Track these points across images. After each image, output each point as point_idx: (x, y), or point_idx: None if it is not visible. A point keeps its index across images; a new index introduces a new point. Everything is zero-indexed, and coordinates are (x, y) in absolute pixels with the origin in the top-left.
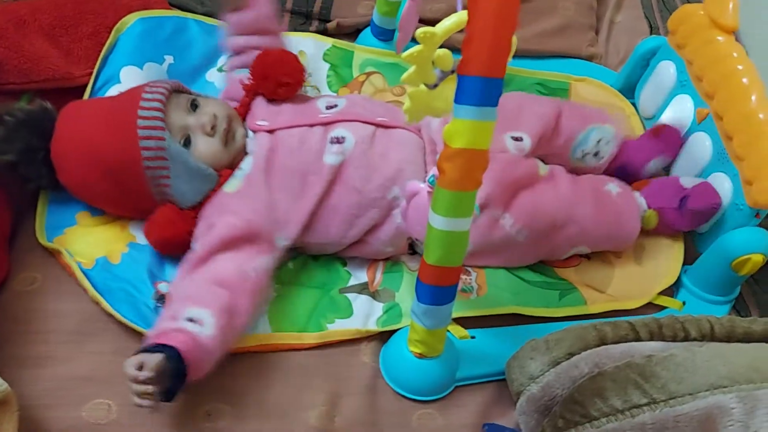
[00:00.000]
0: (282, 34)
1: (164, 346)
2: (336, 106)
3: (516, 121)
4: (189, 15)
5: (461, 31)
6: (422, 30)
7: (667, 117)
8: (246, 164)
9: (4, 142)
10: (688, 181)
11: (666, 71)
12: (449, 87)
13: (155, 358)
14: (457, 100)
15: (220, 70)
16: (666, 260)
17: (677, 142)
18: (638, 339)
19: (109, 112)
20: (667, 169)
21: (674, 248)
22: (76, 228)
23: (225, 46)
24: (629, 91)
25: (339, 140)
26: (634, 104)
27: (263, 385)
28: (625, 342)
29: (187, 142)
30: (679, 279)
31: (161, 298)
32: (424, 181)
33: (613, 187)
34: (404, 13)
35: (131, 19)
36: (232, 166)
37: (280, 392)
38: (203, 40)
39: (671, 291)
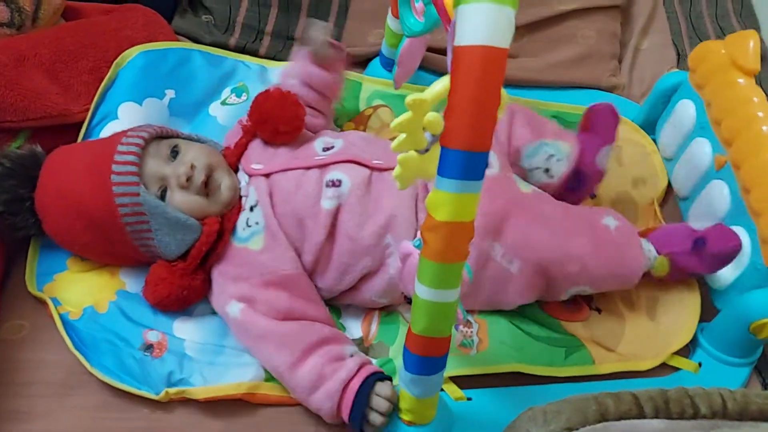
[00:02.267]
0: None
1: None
2: (333, 147)
3: None
4: (194, 46)
5: None
6: (411, 98)
7: (684, 163)
8: (257, 216)
9: None
10: (698, 224)
11: (685, 111)
12: None
13: (390, 385)
14: (440, 171)
15: (223, 103)
16: (681, 316)
17: (611, 123)
18: (642, 415)
19: (88, 162)
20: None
21: (690, 303)
22: (67, 274)
23: (281, 78)
24: (650, 126)
25: (335, 183)
26: (655, 141)
27: None
28: (628, 419)
29: (164, 193)
30: (695, 337)
31: (149, 348)
32: (415, 236)
33: (611, 221)
34: (404, 49)
35: (133, 52)
36: (220, 214)
37: None
38: (207, 72)
39: (687, 349)
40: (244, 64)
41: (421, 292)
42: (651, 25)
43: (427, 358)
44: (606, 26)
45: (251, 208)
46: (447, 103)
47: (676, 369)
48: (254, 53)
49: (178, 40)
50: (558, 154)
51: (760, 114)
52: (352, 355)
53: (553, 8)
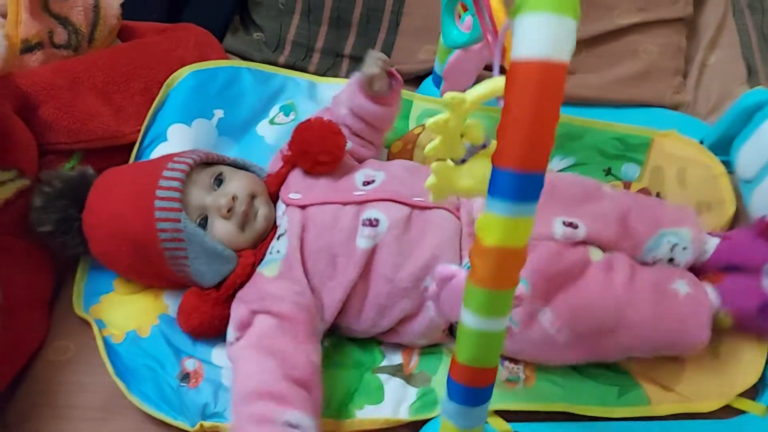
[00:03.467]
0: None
1: None
2: (373, 181)
3: (574, 207)
4: (243, 64)
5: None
6: (450, 95)
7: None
8: (281, 245)
9: (41, 212)
10: None
11: None
12: (480, 163)
13: None
14: (491, 192)
15: (271, 122)
16: (747, 354)
17: None
18: None
19: (133, 187)
20: None
21: (758, 341)
22: (112, 296)
23: (332, 101)
24: (723, 146)
25: (372, 223)
26: (725, 162)
27: None
28: None
29: (204, 222)
30: (763, 377)
31: (185, 377)
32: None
33: (683, 285)
34: (450, 63)
35: (183, 73)
36: (255, 245)
37: None
38: (256, 90)
39: (754, 390)
40: (293, 80)
41: (468, 319)
42: (719, 38)
43: (472, 389)
44: (669, 40)
45: (278, 237)
46: (500, 119)
47: (741, 412)
48: (303, 70)
49: (229, 59)
50: (681, 242)
51: None
52: (291, 425)
53: (612, 22)
